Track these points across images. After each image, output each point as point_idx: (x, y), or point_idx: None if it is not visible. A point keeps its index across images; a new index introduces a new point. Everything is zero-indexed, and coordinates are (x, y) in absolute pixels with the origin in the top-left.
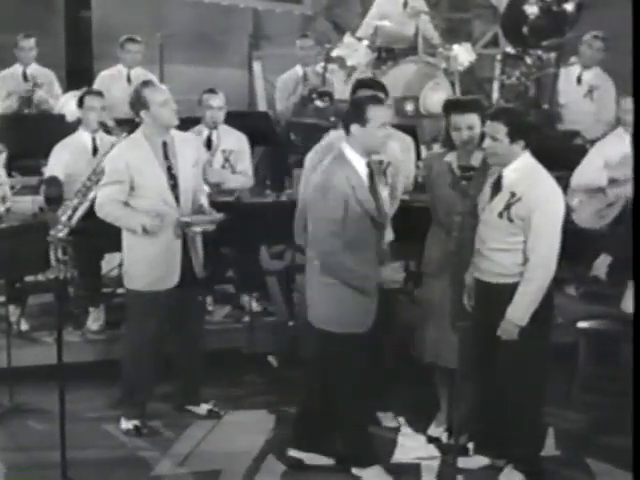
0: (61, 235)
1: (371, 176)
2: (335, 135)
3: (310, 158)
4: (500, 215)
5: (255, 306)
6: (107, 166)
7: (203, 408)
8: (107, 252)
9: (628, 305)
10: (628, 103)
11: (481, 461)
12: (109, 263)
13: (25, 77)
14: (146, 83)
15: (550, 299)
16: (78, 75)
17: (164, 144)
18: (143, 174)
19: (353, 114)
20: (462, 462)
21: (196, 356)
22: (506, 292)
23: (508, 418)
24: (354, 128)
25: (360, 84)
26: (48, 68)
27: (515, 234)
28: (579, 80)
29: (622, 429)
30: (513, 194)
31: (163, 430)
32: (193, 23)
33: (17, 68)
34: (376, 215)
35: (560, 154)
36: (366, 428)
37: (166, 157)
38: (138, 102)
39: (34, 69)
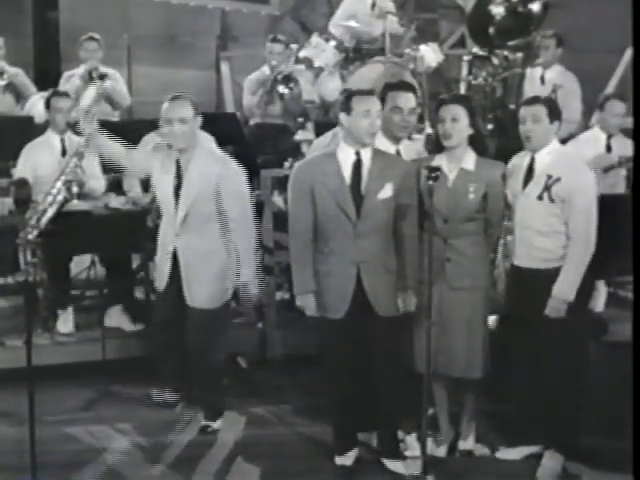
0: (30, 237)
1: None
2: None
3: None
4: (540, 197)
5: None
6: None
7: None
8: (76, 254)
9: (597, 304)
10: (615, 106)
11: (523, 451)
12: (78, 265)
13: None
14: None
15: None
16: (46, 76)
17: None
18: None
19: (342, 104)
20: (503, 453)
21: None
22: (546, 277)
23: (550, 402)
24: (342, 117)
25: (388, 87)
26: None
27: (555, 215)
28: (542, 80)
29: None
30: (550, 176)
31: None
32: (161, 24)
33: None
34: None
35: None
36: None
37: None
38: None
39: (3, 68)
